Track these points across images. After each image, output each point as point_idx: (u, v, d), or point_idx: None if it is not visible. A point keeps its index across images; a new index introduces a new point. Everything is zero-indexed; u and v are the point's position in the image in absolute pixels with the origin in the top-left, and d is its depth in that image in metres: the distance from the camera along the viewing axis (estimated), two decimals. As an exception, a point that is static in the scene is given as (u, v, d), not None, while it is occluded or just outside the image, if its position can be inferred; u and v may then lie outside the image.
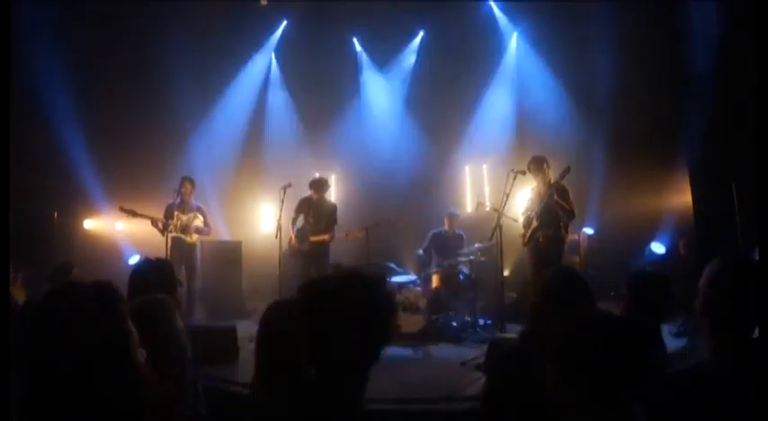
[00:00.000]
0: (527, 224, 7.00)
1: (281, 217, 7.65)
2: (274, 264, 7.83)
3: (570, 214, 6.79)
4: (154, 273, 3.18)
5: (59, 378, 1.36)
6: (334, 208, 8.10)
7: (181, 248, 8.09)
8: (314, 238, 7.78)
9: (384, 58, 10.71)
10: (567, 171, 6.69)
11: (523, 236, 7.06)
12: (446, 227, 8.65)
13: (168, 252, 7.90)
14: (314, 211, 7.91)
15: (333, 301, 1.56)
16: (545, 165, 6.92)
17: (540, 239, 6.83)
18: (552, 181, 6.81)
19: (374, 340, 1.58)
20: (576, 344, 1.51)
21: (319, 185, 7.97)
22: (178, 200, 8.17)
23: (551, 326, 1.67)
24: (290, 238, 7.93)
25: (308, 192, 7.99)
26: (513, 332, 6.31)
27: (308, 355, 1.58)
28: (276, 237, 7.68)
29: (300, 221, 7.98)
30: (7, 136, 3.16)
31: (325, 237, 7.77)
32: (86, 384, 1.37)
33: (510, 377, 2.32)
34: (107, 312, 1.47)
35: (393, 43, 10.57)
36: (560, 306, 2.45)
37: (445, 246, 8.52)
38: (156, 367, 2.18)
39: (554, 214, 6.74)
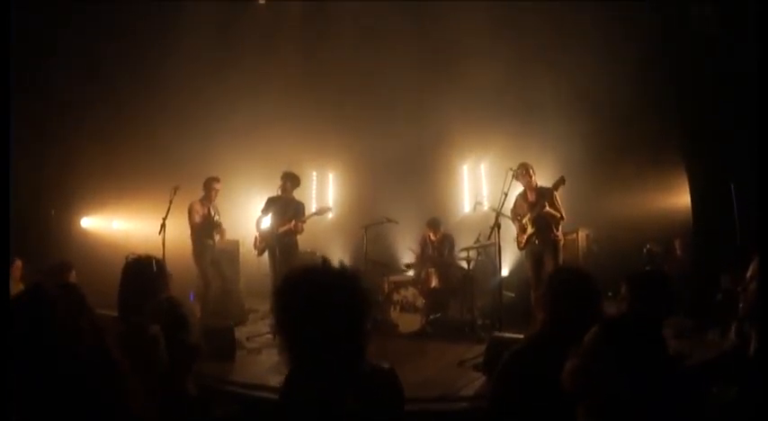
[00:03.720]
0: (522, 230, 7.32)
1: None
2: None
3: (560, 219, 7.19)
4: (146, 272, 3.18)
5: (36, 380, 1.35)
6: (301, 205, 8.00)
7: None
8: (280, 230, 7.72)
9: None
10: (561, 181, 7.06)
11: (519, 240, 7.39)
12: (430, 235, 8.52)
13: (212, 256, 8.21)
14: (280, 208, 7.83)
15: (304, 294, 1.55)
16: (531, 171, 7.26)
17: (537, 242, 7.19)
18: (538, 185, 7.27)
19: (347, 332, 1.56)
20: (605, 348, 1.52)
21: (289, 178, 7.89)
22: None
23: (565, 328, 1.67)
24: (255, 239, 7.95)
25: (304, 191, 7.98)
26: (510, 332, 6.27)
27: (286, 348, 1.57)
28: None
29: (267, 221, 7.90)
30: (7, 134, 3.15)
31: (290, 225, 7.68)
32: (64, 385, 1.36)
33: (519, 379, 2.31)
34: (73, 314, 1.46)
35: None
36: (570, 307, 2.44)
37: (434, 252, 8.49)
38: (179, 371, 2.16)
39: (545, 220, 7.12)
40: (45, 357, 1.37)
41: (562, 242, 7.27)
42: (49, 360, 1.37)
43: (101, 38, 9.22)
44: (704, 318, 6.47)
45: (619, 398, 1.47)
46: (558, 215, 7.12)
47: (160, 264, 3.30)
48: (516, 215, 7.40)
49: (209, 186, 8.14)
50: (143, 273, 3.13)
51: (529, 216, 7.18)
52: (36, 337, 1.38)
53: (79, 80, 9.16)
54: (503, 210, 7.03)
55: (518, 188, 7.42)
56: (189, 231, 8.15)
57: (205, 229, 8.06)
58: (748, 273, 5.11)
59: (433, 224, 8.52)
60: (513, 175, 7.11)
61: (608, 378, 1.50)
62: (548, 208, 7.03)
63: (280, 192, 7.88)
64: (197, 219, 8.04)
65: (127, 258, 3.34)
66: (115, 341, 1.52)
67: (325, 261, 1.66)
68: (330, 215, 10.41)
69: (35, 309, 1.42)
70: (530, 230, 7.19)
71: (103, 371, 1.43)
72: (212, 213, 8.15)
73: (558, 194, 7.18)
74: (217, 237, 8.16)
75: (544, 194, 7.11)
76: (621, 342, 1.55)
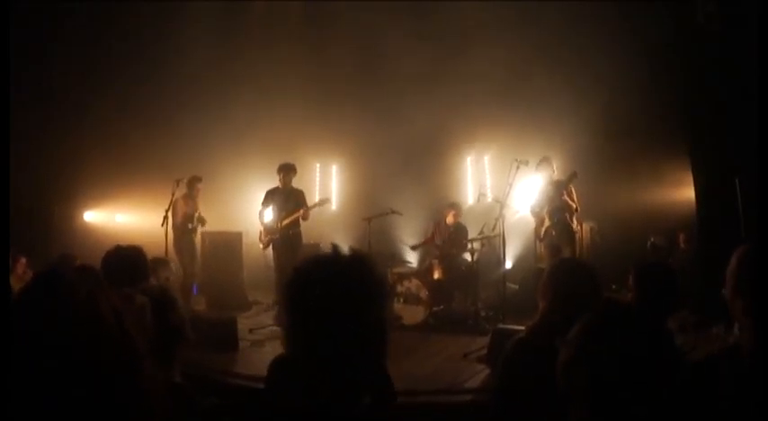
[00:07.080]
0: (540, 222, 7.69)
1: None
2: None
3: (574, 210, 7.54)
4: (126, 261, 3.20)
5: (48, 370, 1.31)
6: (301, 192, 8.02)
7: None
8: (285, 221, 7.76)
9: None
10: (574, 175, 7.50)
11: (538, 231, 7.79)
12: (450, 218, 8.49)
13: (201, 247, 8.77)
14: (281, 199, 7.88)
15: (318, 284, 1.48)
16: (552, 166, 7.63)
17: (554, 233, 7.53)
18: (557, 178, 7.61)
19: (369, 325, 1.49)
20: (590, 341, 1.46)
21: (286, 170, 7.91)
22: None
23: (565, 319, 1.63)
24: (260, 232, 8.05)
25: (308, 183, 8.00)
26: (514, 323, 6.26)
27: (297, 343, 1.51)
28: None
29: (269, 213, 7.96)
30: (7, 129, 3.15)
31: (296, 214, 7.71)
32: (80, 375, 1.32)
33: (521, 370, 2.29)
34: (94, 296, 1.42)
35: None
36: (566, 297, 2.43)
37: (448, 237, 8.45)
38: (163, 354, 2.14)
39: (562, 211, 7.44)
40: (62, 342, 1.33)
41: (578, 233, 7.65)
42: (67, 344, 1.32)
43: (101, 38, 9.23)
44: (708, 313, 6.44)
45: (613, 393, 1.41)
46: (574, 206, 7.46)
47: (143, 253, 3.45)
48: (539, 207, 7.69)
49: (192, 185, 8.56)
50: (124, 259, 3.21)
51: (547, 208, 7.52)
52: (53, 321, 1.34)
53: (81, 73, 9.17)
54: (507, 202, 7.04)
55: (522, 180, 7.44)
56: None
57: (184, 223, 8.46)
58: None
59: (456, 206, 8.55)
60: (536, 168, 7.46)
61: (599, 371, 1.44)
62: (565, 197, 7.38)
63: (279, 185, 7.94)
64: (178, 213, 8.36)
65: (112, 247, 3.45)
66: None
67: (336, 248, 1.58)
68: (333, 207, 10.43)
69: (53, 290, 1.39)
70: (547, 222, 7.53)
71: (122, 355, 1.39)
72: (193, 209, 8.54)
73: (573, 187, 7.53)
74: (199, 227, 8.63)
75: (560, 187, 7.44)
76: (617, 333, 1.48)
